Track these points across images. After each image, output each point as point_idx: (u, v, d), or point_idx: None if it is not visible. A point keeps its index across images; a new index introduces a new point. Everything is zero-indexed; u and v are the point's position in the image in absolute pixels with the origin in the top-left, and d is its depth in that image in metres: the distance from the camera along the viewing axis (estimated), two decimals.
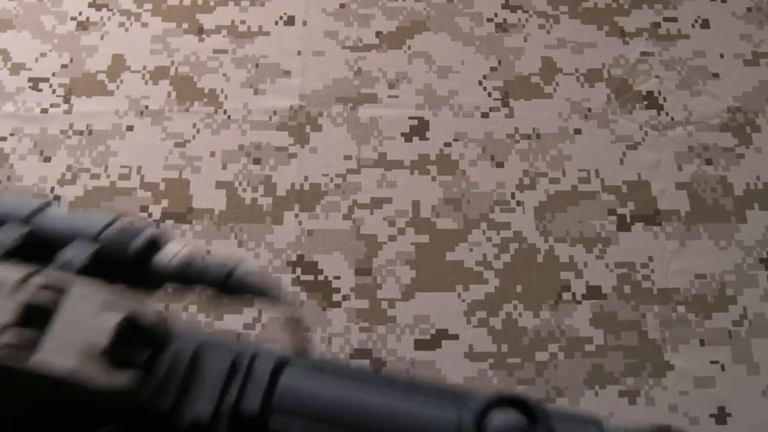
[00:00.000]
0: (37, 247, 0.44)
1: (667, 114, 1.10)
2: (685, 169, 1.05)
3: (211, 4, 1.19)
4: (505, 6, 1.20)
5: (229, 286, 0.45)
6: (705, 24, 1.19)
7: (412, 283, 0.95)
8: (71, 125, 1.07)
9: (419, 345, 0.91)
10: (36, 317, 0.39)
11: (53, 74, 1.11)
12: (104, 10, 1.18)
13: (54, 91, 1.10)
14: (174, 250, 0.45)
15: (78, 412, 0.38)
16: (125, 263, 0.43)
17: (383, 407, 0.36)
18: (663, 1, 1.21)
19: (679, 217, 1.01)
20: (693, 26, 1.19)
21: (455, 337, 0.92)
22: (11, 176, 1.02)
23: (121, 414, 0.38)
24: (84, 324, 0.38)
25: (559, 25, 1.18)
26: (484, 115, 1.09)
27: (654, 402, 0.88)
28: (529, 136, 1.07)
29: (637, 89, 1.12)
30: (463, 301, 0.94)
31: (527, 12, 1.19)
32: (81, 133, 1.06)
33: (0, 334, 0.38)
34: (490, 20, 1.18)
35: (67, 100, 1.09)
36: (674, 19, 1.20)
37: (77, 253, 0.43)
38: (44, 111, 1.08)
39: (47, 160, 1.03)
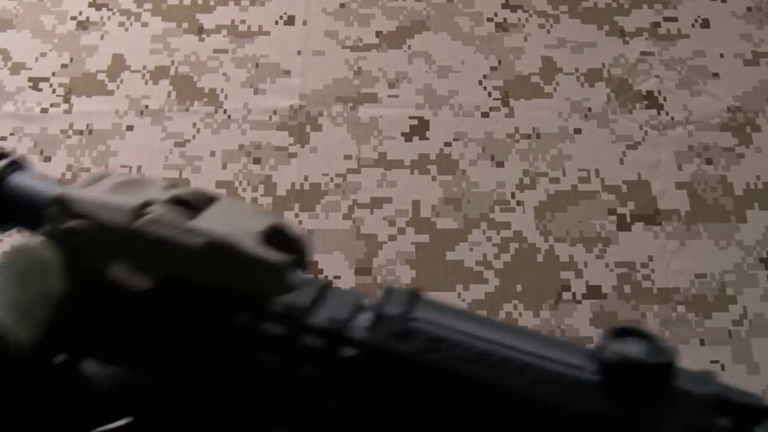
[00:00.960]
0: None
1: (667, 114, 1.10)
2: (685, 168, 1.05)
3: (211, 3, 1.19)
4: (505, 6, 1.20)
5: None
6: (705, 24, 1.19)
7: (412, 283, 0.95)
8: (71, 125, 1.07)
9: None
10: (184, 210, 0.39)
11: (53, 74, 1.11)
12: (104, 9, 1.18)
13: (54, 91, 1.10)
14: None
15: (207, 301, 0.37)
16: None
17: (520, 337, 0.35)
18: (663, 1, 1.21)
19: (679, 216, 1.01)
20: (693, 26, 1.19)
21: None
22: None
23: (259, 303, 0.37)
24: (236, 218, 0.38)
25: (559, 25, 1.18)
26: (484, 115, 1.09)
27: None
28: (529, 136, 1.07)
29: (637, 89, 1.12)
30: (464, 300, 0.94)
31: (527, 12, 1.19)
32: (81, 132, 1.06)
33: (149, 207, 0.37)
34: (490, 20, 1.18)
35: (67, 100, 1.09)
36: (674, 19, 1.20)
37: None
38: (44, 111, 1.08)
39: (47, 159, 1.03)
